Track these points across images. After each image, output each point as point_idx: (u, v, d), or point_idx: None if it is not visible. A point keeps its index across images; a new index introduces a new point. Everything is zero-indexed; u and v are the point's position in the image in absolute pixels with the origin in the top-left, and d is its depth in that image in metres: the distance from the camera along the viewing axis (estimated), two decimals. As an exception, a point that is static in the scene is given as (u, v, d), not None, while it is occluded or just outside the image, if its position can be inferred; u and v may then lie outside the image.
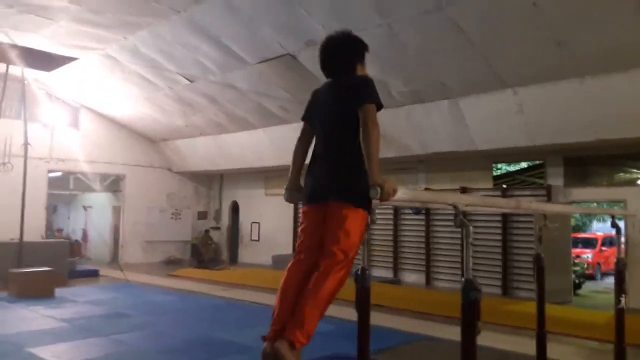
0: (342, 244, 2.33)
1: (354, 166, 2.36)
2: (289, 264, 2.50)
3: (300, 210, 2.62)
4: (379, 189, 2.13)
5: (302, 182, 2.69)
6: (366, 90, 2.48)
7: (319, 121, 2.67)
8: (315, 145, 2.68)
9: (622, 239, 8.39)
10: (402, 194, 2.15)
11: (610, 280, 13.64)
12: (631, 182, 9.84)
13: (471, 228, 2.19)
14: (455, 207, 2.15)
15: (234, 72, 10.40)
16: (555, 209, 5.28)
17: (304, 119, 2.79)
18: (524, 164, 12.90)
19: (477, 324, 2.18)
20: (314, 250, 2.44)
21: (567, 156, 10.13)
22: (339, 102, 2.55)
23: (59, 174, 15.30)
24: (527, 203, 4.05)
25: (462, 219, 2.19)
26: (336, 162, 2.47)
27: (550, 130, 8.65)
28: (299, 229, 2.57)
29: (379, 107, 2.46)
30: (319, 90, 2.78)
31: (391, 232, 12.51)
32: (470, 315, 2.18)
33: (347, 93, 2.51)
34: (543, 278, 3.99)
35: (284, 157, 13.43)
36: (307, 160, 2.75)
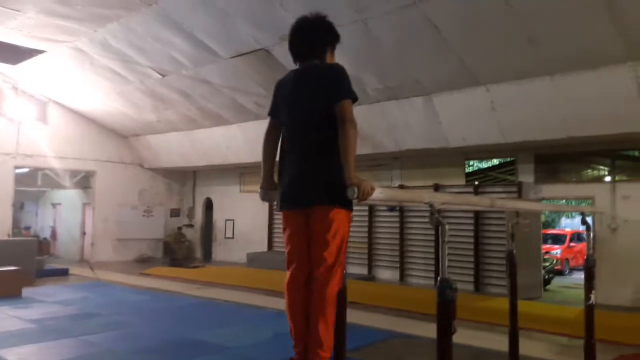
0: (331, 247, 2.33)
1: (333, 164, 2.30)
2: (287, 279, 2.51)
3: (281, 215, 2.56)
4: (356, 189, 2.10)
5: (276, 179, 2.63)
6: (342, 84, 2.40)
7: (288, 114, 2.56)
8: (284, 140, 2.58)
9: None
10: (379, 193, 2.12)
11: (578, 276, 14.00)
12: (599, 179, 10.09)
13: (447, 227, 2.19)
14: (431, 205, 2.14)
15: (207, 66, 10.25)
16: (529, 207, 5.35)
17: (270, 113, 2.69)
18: (495, 161, 13.11)
19: (453, 323, 2.17)
20: (304, 256, 2.43)
21: (538, 153, 10.32)
22: (312, 94, 2.46)
23: (26, 170, 14.86)
24: (501, 201, 4.09)
25: (437, 217, 2.17)
26: (313, 160, 2.40)
27: (522, 127, 8.78)
28: (284, 235, 2.53)
29: (354, 100, 2.41)
30: (284, 80, 2.66)
31: (366, 229, 12.56)
32: (446, 315, 2.17)
33: (321, 84, 2.43)
34: (515, 275, 4.04)
35: (259, 153, 13.25)
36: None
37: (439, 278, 2.15)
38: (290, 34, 2.65)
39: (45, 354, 5.62)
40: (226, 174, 16.20)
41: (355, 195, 2.10)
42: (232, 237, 16.35)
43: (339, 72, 2.45)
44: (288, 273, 2.50)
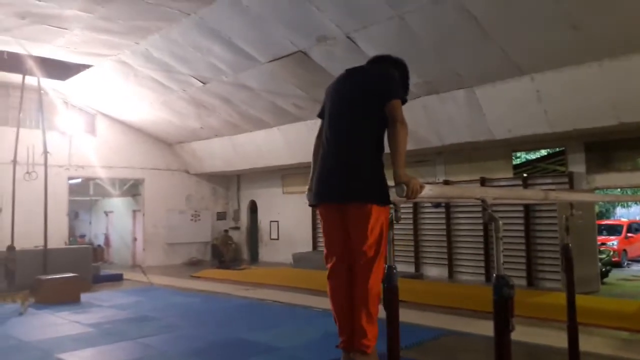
0: (371, 240, 2.34)
1: (371, 161, 2.32)
2: (328, 272, 2.56)
3: (318, 209, 2.58)
4: (405, 187, 2.08)
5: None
6: (393, 84, 2.42)
7: (332, 109, 2.59)
8: (325, 136, 2.60)
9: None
10: (429, 190, 2.09)
11: (637, 268, 13.39)
12: (656, 166, 9.60)
13: (500, 223, 2.13)
14: (483, 201, 2.09)
15: (246, 71, 10.39)
16: (584, 198, 5.15)
17: (320, 115, 2.72)
18: (543, 152, 12.70)
19: (511, 321, 2.12)
20: (342, 249, 2.45)
21: (588, 142, 9.92)
22: (359, 92, 2.49)
23: (78, 180, 15.51)
24: (555, 193, 3.95)
25: (490, 213, 2.13)
26: (351, 156, 2.41)
27: (570, 116, 8.47)
28: (322, 231, 2.55)
29: (404, 101, 2.40)
30: (335, 80, 2.72)
31: (411, 226, 12.42)
32: (503, 313, 2.12)
33: (372, 84, 2.45)
34: (572, 269, 3.88)
35: (300, 154, 13.49)
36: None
37: (494, 275, 2.10)
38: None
39: (104, 357, 5.84)
40: (269, 176, 16.39)
41: (405, 193, 2.07)
42: (277, 238, 16.52)
43: (390, 73, 2.47)
44: (328, 266, 2.53)
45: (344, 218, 2.43)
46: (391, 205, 2.44)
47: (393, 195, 2.21)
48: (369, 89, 2.44)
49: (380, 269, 2.43)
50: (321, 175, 2.52)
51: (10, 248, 10.31)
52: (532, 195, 4.03)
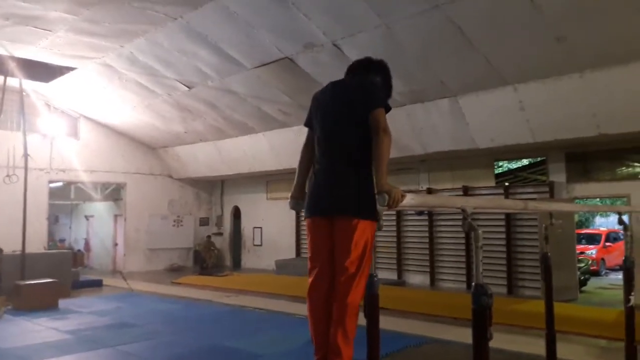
0: (353, 256, 2.32)
1: (360, 175, 2.33)
2: (309, 285, 2.53)
3: (306, 221, 2.57)
4: (386, 196, 2.10)
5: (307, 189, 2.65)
6: (375, 93, 2.43)
7: (321, 124, 2.60)
8: (317, 150, 2.62)
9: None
10: (410, 199, 2.11)
11: (615, 276, 13.60)
12: (634, 177, 9.80)
13: (480, 232, 2.16)
14: (463, 210, 2.11)
15: (232, 77, 10.37)
16: (563, 208, 5.23)
17: (307, 124, 2.73)
18: (525, 161, 12.88)
19: (489, 330, 2.14)
20: (326, 263, 2.44)
21: (569, 152, 10.09)
22: (345, 103, 2.51)
23: (59, 184, 15.29)
24: (534, 203, 4.01)
25: (470, 222, 2.15)
26: (340, 170, 2.42)
27: (552, 126, 8.61)
28: (308, 242, 2.54)
29: (387, 109, 2.42)
30: (321, 92, 2.71)
31: (394, 234, 12.47)
32: (481, 321, 2.14)
33: (356, 95, 2.47)
34: (551, 278, 3.94)
35: (285, 160, 13.48)
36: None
37: (473, 284, 2.12)
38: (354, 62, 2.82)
39: (83, 364, 5.74)
40: (253, 182, 16.34)
41: (386, 202, 2.09)
42: (261, 245, 16.45)
43: (370, 83, 2.49)
44: (310, 279, 2.51)
45: (331, 232, 2.43)
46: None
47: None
48: (353, 103, 2.46)
49: (361, 287, 2.40)
50: (313, 189, 2.54)
51: None
52: (512, 205, 4.09)
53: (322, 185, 2.48)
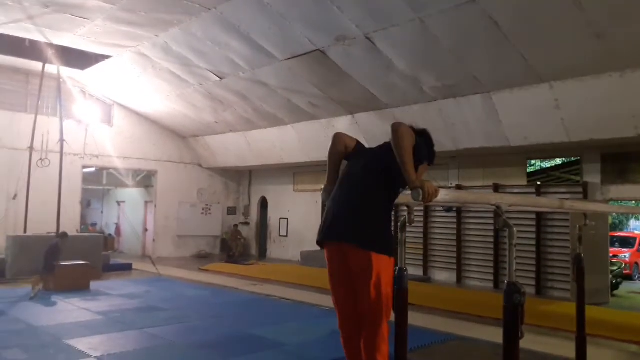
0: (373, 299, 2.34)
1: (377, 212, 2.35)
2: (343, 340, 2.60)
3: (323, 249, 2.61)
4: (420, 191, 2.08)
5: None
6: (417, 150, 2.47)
7: (352, 162, 2.71)
8: (341, 181, 2.67)
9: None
10: (444, 194, 2.10)
11: (649, 281, 13.22)
12: (673, 180, 9.48)
13: (515, 229, 2.13)
14: (498, 207, 2.09)
15: (263, 68, 10.42)
16: (599, 209, 5.10)
17: (347, 158, 2.83)
18: (558, 161, 12.60)
19: (520, 328, 2.12)
20: (348, 294, 2.48)
21: (604, 152, 9.82)
22: (375, 152, 2.64)
23: (92, 169, 15.66)
24: (571, 203, 3.92)
25: (505, 220, 2.13)
26: (360, 203, 2.47)
27: (588, 125, 8.39)
28: (328, 272, 2.59)
29: (430, 163, 2.52)
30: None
31: (421, 230, 12.38)
32: (513, 319, 2.12)
33: (384, 148, 2.55)
34: (583, 280, 3.86)
35: (313, 153, 13.50)
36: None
37: (506, 282, 2.10)
38: None
39: (112, 344, 5.90)
40: (280, 173, 16.43)
41: (421, 197, 2.08)
42: (286, 235, 16.56)
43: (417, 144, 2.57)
44: (337, 310, 2.59)
45: (344, 260, 2.43)
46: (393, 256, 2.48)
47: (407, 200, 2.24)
48: (380, 151, 2.55)
49: (385, 331, 2.42)
50: (328, 216, 2.58)
51: (63, 235, 10.30)
52: (548, 203, 4.01)
53: (337, 214, 2.51)
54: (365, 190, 2.47)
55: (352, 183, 2.56)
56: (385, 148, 2.62)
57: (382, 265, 2.36)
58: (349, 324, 2.49)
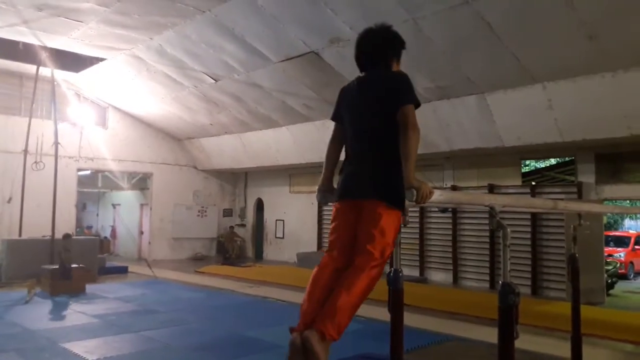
0: (377, 243, 2.27)
1: (390, 166, 2.32)
2: (321, 259, 2.44)
3: (333, 206, 2.57)
4: (414, 192, 2.09)
5: (335, 184, 2.65)
6: (405, 90, 2.41)
7: (350, 120, 2.60)
8: (347, 145, 2.62)
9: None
10: (439, 195, 2.11)
11: (643, 280, 13.29)
12: (666, 179, 9.54)
13: (509, 230, 2.14)
14: (491, 208, 2.10)
15: (257, 70, 10.43)
16: (593, 209, 5.13)
17: (334, 118, 2.72)
18: (553, 161, 12.66)
19: (515, 328, 2.14)
20: (346, 249, 2.39)
21: (598, 152, 9.87)
22: (375, 100, 2.49)
23: (88, 172, 15.62)
24: (564, 203, 3.95)
25: (499, 220, 2.14)
26: (371, 161, 2.42)
27: (581, 125, 8.44)
28: (331, 226, 2.52)
29: (417, 106, 2.41)
30: (348, 88, 2.70)
31: (417, 230, 12.41)
32: (508, 319, 2.13)
33: (384, 91, 2.45)
34: (578, 279, 3.89)
35: (308, 154, 13.51)
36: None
37: (500, 282, 2.11)
38: (356, 46, 2.69)
39: (109, 347, 5.89)
40: (276, 175, 16.43)
41: (414, 198, 2.09)
42: (282, 237, 16.56)
43: (403, 79, 2.46)
44: (322, 258, 2.42)
45: (356, 219, 2.39)
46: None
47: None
48: (381, 98, 2.44)
49: (375, 275, 2.28)
50: (343, 179, 2.52)
51: (66, 236, 10.26)
52: (541, 204, 4.03)
53: (352, 174, 2.48)
54: (376, 145, 2.41)
55: (360, 138, 2.49)
56: (376, 85, 2.52)
57: (393, 219, 2.33)
58: (329, 274, 2.33)
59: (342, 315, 2.16)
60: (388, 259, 2.38)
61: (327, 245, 2.57)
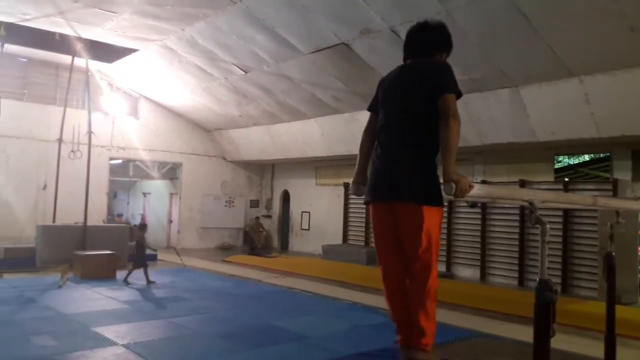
0: (424, 246, 2.31)
1: (425, 159, 2.28)
2: (381, 274, 2.59)
3: (369, 207, 2.56)
4: (454, 185, 2.05)
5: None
6: (447, 78, 2.36)
7: (387, 107, 2.56)
8: (380, 133, 2.58)
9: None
10: (477, 190, 2.06)
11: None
12: None
13: (547, 226, 2.09)
14: (531, 204, 2.05)
15: (287, 62, 10.43)
16: (634, 207, 4.98)
17: (370, 108, 2.69)
18: (586, 157, 12.31)
19: (552, 326, 2.09)
20: (393, 251, 2.45)
21: (636, 149, 9.57)
22: (414, 88, 2.44)
23: (119, 161, 15.94)
24: (604, 200, 3.83)
25: (538, 216, 2.09)
26: (405, 154, 2.37)
27: (619, 121, 8.18)
28: (374, 232, 2.56)
29: (458, 96, 2.36)
30: (388, 76, 2.67)
31: (445, 225, 12.28)
32: (544, 317, 2.09)
33: (426, 79, 2.40)
34: (614, 279, 3.77)
35: (335, 147, 13.49)
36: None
37: (538, 279, 2.06)
38: (409, 34, 2.68)
39: (139, 333, 6.01)
40: (303, 167, 16.47)
41: (453, 192, 2.05)
42: (308, 229, 16.61)
43: (444, 67, 2.41)
44: (380, 268, 2.54)
45: (394, 219, 2.38)
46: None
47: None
48: (422, 87, 2.40)
49: (435, 269, 2.45)
50: (374, 174, 2.51)
51: (142, 226, 10.51)
52: (580, 200, 3.92)
53: (384, 170, 2.44)
54: (412, 137, 2.40)
55: (395, 130, 2.47)
56: (419, 70, 2.50)
57: (433, 217, 2.36)
58: (395, 281, 2.53)
59: (428, 328, 2.49)
60: (439, 251, 2.49)
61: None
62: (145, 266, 9.49)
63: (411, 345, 2.47)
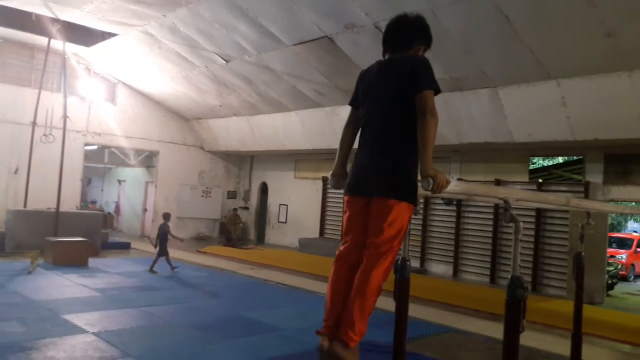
0: (385, 235, 2.27)
1: (403, 155, 2.29)
2: (336, 256, 2.48)
3: (344, 198, 2.55)
4: (431, 181, 2.07)
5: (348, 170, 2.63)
6: (425, 74, 2.37)
7: (367, 102, 2.56)
8: (363, 130, 2.58)
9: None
10: (454, 186, 2.09)
11: (644, 283, 13.28)
12: (675, 183, 9.48)
13: (521, 224, 2.13)
14: (506, 201, 2.09)
15: (269, 53, 10.36)
16: (604, 208, 5.10)
17: (351, 103, 2.69)
18: (560, 159, 12.59)
19: (522, 322, 2.14)
20: (358, 237, 2.40)
21: (608, 153, 9.80)
22: (394, 81, 2.44)
23: (94, 147, 15.64)
24: (577, 200, 3.92)
25: (512, 214, 2.13)
26: (383, 150, 2.38)
27: (594, 125, 8.36)
28: (344, 217, 2.52)
29: (436, 92, 2.37)
30: (368, 70, 2.66)
31: (420, 221, 12.40)
32: (515, 313, 2.13)
33: (405, 73, 2.41)
34: (583, 278, 3.88)
35: (316, 140, 13.49)
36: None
37: (510, 276, 2.11)
38: (387, 27, 2.67)
39: (110, 321, 5.94)
40: (282, 159, 16.42)
41: (430, 187, 2.07)
42: (285, 222, 16.59)
43: (422, 63, 2.41)
44: (340, 248, 2.47)
45: (367, 211, 2.39)
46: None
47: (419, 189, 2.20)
48: (401, 83, 2.40)
49: (387, 266, 2.33)
50: (354, 169, 2.51)
51: (166, 216, 10.43)
52: (555, 200, 4.00)
53: (362, 165, 2.45)
54: (390, 133, 2.38)
55: (374, 126, 2.47)
56: (397, 66, 2.49)
57: (403, 213, 2.33)
58: (353, 245, 2.41)
59: (360, 320, 2.29)
60: (398, 249, 2.39)
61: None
62: (166, 254, 9.72)
63: (336, 335, 2.29)
